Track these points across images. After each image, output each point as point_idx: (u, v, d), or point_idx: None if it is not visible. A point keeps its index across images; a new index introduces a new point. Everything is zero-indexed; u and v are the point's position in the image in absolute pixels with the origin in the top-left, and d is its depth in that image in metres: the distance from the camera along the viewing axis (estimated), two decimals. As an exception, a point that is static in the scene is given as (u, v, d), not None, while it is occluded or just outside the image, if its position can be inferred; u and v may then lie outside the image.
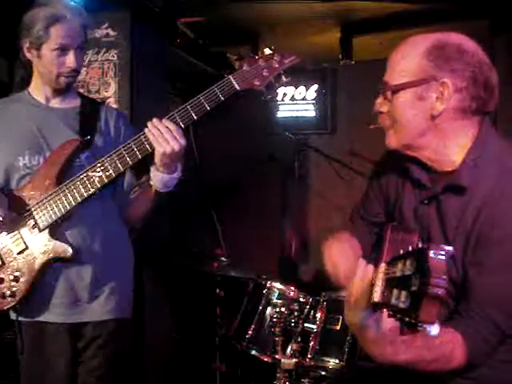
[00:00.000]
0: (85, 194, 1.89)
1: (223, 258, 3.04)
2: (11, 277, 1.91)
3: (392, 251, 1.37)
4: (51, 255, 1.90)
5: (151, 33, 3.38)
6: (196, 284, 3.24)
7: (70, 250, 1.90)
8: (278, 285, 2.78)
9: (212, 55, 4.26)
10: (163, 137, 1.82)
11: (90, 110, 2.08)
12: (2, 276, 1.92)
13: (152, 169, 1.92)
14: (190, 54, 4.00)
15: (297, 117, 4.39)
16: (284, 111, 4.43)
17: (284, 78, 1.91)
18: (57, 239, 1.91)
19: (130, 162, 1.87)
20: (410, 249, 1.06)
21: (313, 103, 4.36)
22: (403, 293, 1.04)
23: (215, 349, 3.08)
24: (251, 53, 1.92)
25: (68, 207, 1.90)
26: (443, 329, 1.33)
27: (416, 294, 1.00)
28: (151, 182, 1.94)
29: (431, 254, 1.00)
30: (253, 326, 2.71)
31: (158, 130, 1.82)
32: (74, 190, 1.89)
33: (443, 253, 1.01)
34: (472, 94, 1.36)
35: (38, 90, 2.05)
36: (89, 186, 1.88)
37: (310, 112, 4.37)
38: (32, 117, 2.01)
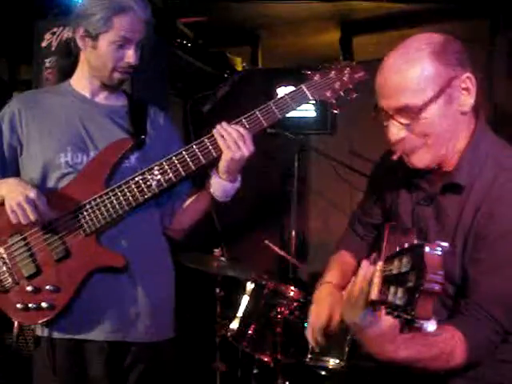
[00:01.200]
0: (140, 199, 1.74)
1: (223, 258, 3.04)
2: (50, 287, 1.71)
3: (390, 251, 1.38)
4: (99, 264, 1.73)
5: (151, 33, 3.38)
6: (196, 284, 3.24)
7: (122, 259, 1.74)
8: (277, 285, 2.77)
9: (212, 55, 4.26)
10: (234, 141, 1.72)
11: (139, 109, 1.93)
12: (39, 286, 1.72)
13: (213, 175, 1.82)
14: (190, 53, 4.00)
15: (297, 117, 4.38)
16: (284, 111, 4.43)
17: (354, 94, 1.84)
18: (104, 246, 1.75)
19: (193, 167, 1.76)
20: (406, 246, 1.07)
21: (313, 103, 4.35)
22: (400, 290, 1.04)
23: (215, 349, 3.08)
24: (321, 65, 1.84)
25: (120, 211, 1.74)
26: (443, 327, 1.33)
27: (412, 289, 1.01)
28: (211, 190, 1.83)
29: (427, 249, 1.00)
30: (253, 326, 2.71)
31: (229, 133, 1.73)
32: (128, 194, 1.74)
33: (439, 248, 1.01)
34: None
35: (82, 84, 1.89)
36: (145, 189, 1.74)
37: (310, 112, 4.36)
38: (75, 111, 1.85)
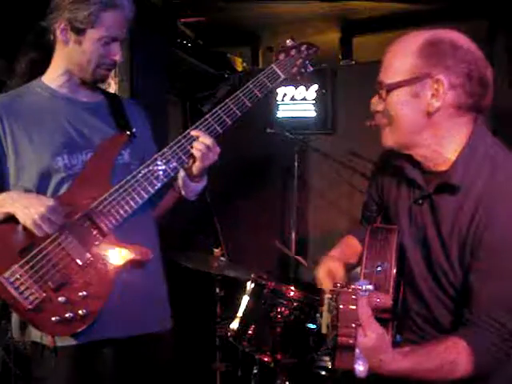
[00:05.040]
0: (151, 190, 1.75)
1: (223, 258, 3.04)
2: (81, 293, 1.66)
3: (370, 258, 1.42)
4: (127, 259, 1.72)
5: (151, 33, 3.39)
6: (196, 284, 3.24)
7: (148, 252, 1.74)
8: (278, 285, 2.77)
9: (212, 55, 4.26)
10: (205, 153, 1.80)
11: (117, 104, 1.92)
12: (70, 295, 1.66)
13: (184, 178, 1.88)
14: (190, 54, 4.01)
15: (297, 117, 4.39)
16: (284, 111, 4.44)
17: (310, 68, 2.03)
18: (125, 242, 1.73)
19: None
20: (339, 285, 1.10)
21: (313, 103, 4.36)
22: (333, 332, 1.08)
23: (215, 349, 3.08)
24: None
25: (135, 206, 1.73)
26: (447, 337, 1.32)
27: (333, 340, 1.06)
28: (182, 192, 1.91)
29: (341, 301, 1.05)
30: (253, 326, 2.71)
31: (201, 144, 1.80)
32: (138, 187, 1.74)
33: (354, 297, 1.04)
34: (467, 90, 1.36)
35: (59, 81, 1.81)
36: (154, 181, 1.75)
37: (310, 112, 4.37)
38: (59, 112, 1.79)
